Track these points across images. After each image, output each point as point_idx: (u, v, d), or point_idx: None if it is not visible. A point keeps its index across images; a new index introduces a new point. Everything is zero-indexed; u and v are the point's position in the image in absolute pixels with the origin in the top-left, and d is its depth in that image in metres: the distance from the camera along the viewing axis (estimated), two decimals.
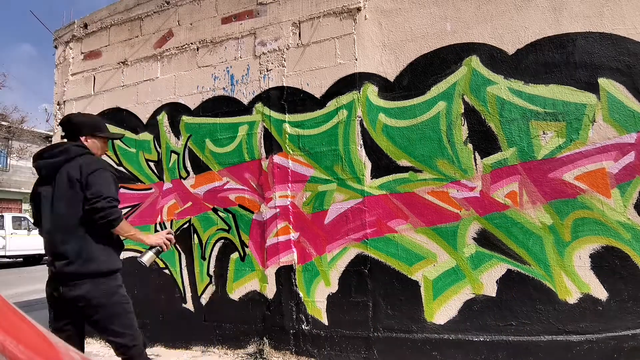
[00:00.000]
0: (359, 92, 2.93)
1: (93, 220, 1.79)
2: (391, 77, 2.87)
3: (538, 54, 2.55)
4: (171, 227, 3.47)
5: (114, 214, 1.81)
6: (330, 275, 2.91)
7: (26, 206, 18.21)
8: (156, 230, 3.52)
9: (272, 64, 3.24)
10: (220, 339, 3.19)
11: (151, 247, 2.01)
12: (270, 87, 3.22)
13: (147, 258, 1.98)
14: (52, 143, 3.03)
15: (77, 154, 1.88)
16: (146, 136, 3.65)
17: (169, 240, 2.05)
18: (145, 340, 2.01)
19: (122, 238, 1.98)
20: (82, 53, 4.12)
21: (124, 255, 3.59)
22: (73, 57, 4.16)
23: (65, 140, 2.03)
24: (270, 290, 3.07)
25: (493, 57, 2.64)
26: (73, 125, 2.01)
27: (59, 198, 1.84)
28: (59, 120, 4.17)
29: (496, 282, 2.53)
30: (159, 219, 3.52)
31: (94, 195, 1.78)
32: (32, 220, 2.44)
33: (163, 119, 3.60)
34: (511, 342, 2.46)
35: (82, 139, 1.99)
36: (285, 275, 3.03)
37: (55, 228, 1.85)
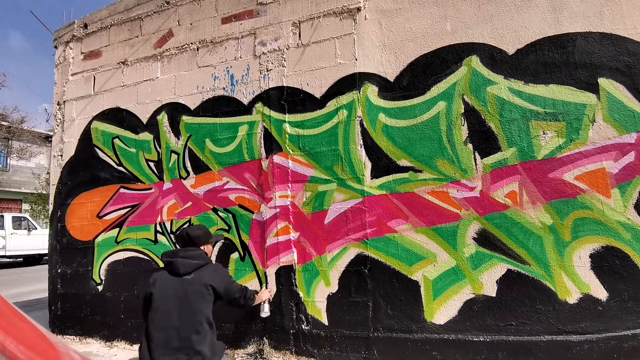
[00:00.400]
0: (359, 92, 2.93)
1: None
2: (391, 77, 2.87)
3: (538, 54, 2.55)
4: (171, 227, 3.47)
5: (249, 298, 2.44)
6: (330, 275, 2.91)
7: (26, 206, 18.21)
8: (156, 231, 3.52)
9: (272, 64, 3.24)
10: (220, 339, 3.18)
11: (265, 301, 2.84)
12: (270, 87, 3.22)
13: (264, 311, 2.84)
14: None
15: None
16: (146, 136, 3.65)
17: (270, 291, 2.97)
18: None
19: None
20: (82, 53, 4.12)
21: (125, 255, 3.62)
22: (73, 57, 4.16)
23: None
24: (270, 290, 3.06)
25: (493, 57, 2.64)
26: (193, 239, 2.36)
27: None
28: (58, 120, 4.17)
29: (496, 282, 2.53)
30: (159, 219, 3.52)
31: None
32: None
33: (163, 119, 3.60)
34: (511, 342, 2.46)
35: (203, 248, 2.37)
36: (285, 275, 3.03)
37: None
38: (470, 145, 2.65)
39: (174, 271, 2.15)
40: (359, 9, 3.00)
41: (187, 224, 3.41)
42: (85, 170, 3.88)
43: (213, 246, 2.74)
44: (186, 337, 2.00)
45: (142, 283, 3.52)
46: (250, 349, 3.05)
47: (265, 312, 2.82)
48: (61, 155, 4.06)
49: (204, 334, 2.05)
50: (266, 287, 3.01)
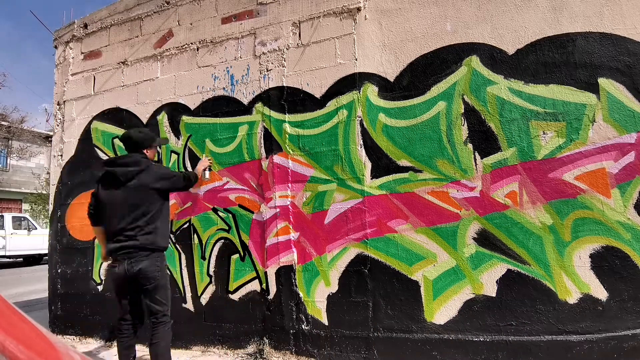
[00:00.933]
0: (359, 92, 2.93)
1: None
2: (391, 77, 2.87)
3: (538, 54, 2.55)
4: (171, 227, 3.47)
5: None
6: (330, 275, 2.91)
7: (26, 206, 18.21)
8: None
9: (272, 64, 3.24)
10: (220, 339, 3.19)
11: (204, 170, 3.15)
12: (270, 87, 3.22)
13: (207, 176, 3.22)
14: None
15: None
16: None
17: (209, 160, 3.23)
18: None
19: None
20: (82, 53, 4.12)
21: None
22: (73, 57, 4.16)
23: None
24: (270, 290, 3.07)
25: (493, 57, 2.64)
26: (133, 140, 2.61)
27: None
28: (58, 120, 4.17)
29: (496, 282, 2.53)
30: None
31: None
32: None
33: (163, 119, 3.60)
34: (511, 342, 2.46)
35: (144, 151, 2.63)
36: (285, 275, 3.03)
37: None
38: (470, 145, 2.65)
39: (117, 179, 2.44)
40: (359, 9, 3.01)
41: (187, 224, 3.41)
42: (85, 170, 3.88)
43: (159, 148, 3.13)
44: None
45: None
46: (250, 349, 3.05)
47: (206, 178, 3.22)
48: (61, 155, 4.06)
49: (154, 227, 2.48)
50: (208, 161, 3.24)
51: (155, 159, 2.98)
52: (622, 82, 2.39)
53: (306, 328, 2.94)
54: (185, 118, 3.50)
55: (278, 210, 3.09)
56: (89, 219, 2.63)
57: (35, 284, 7.49)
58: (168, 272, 2.57)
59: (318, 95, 3.06)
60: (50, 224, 4.06)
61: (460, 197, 2.65)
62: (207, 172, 3.19)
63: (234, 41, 3.41)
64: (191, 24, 3.60)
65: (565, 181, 2.44)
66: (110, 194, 2.45)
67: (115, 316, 3.57)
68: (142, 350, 3.40)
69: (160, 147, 3.47)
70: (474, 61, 2.68)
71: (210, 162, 3.24)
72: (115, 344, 3.52)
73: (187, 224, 3.41)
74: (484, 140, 2.62)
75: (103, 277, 3.70)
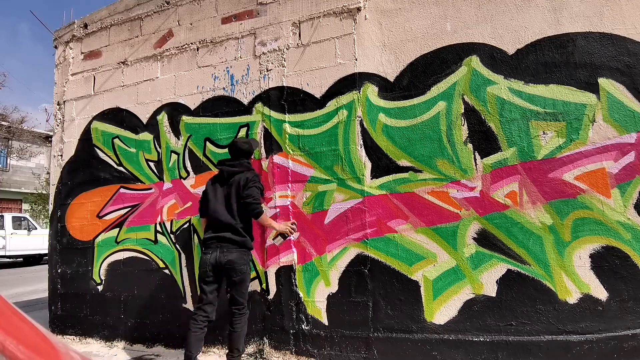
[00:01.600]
0: (359, 92, 2.93)
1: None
2: (391, 77, 2.87)
3: (538, 54, 2.55)
4: (171, 227, 3.47)
5: (257, 208, 2.67)
6: (330, 275, 2.91)
7: (26, 206, 18.21)
8: (156, 231, 3.52)
9: (272, 64, 3.24)
10: (220, 339, 3.19)
11: (280, 234, 2.84)
12: (270, 87, 3.22)
13: (277, 241, 2.87)
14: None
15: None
16: (146, 136, 3.65)
17: (293, 229, 2.88)
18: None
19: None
20: (82, 53, 4.12)
21: (125, 255, 3.62)
22: (73, 57, 4.16)
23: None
24: (270, 290, 3.07)
25: (493, 57, 2.64)
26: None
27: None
28: (58, 120, 4.17)
29: (496, 282, 2.53)
30: (159, 219, 3.52)
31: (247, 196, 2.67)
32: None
33: (163, 119, 3.60)
34: (511, 342, 2.46)
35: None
36: (285, 275, 3.03)
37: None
38: (470, 145, 2.65)
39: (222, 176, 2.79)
40: (359, 9, 3.01)
41: (187, 223, 3.41)
42: (85, 170, 3.88)
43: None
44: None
45: (142, 283, 3.52)
46: (250, 349, 3.05)
47: (276, 242, 2.89)
48: (61, 155, 4.06)
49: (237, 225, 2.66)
50: (292, 228, 2.88)
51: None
52: (622, 82, 2.39)
53: (306, 328, 2.94)
54: (185, 118, 3.50)
55: (278, 210, 3.09)
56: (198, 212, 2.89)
57: (35, 284, 7.49)
58: (210, 272, 2.61)
59: (318, 95, 3.06)
60: (50, 224, 4.06)
61: (460, 197, 2.65)
62: (280, 239, 2.85)
63: (234, 41, 3.41)
64: (191, 24, 3.60)
65: (565, 181, 2.44)
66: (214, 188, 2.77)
67: (115, 315, 3.59)
68: (142, 351, 3.40)
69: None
70: (474, 61, 2.68)
71: (291, 230, 2.86)
72: (115, 343, 3.53)
73: (187, 223, 3.41)
74: (484, 140, 2.62)
75: (103, 277, 3.71)
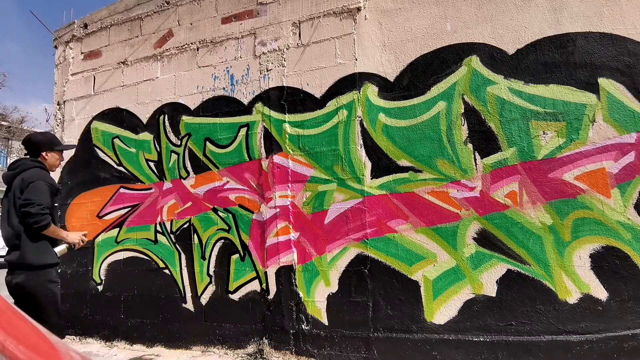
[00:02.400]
0: (359, 92, 2.93)
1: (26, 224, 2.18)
2: (391, 77, 2.87)
3: (538, 54, 2.55)
4: (171, 227, 3.47)
5: (43, 220, 2.18)
6: (330, 275, 2.91)
7: None
8: (156, 231, 3.52)
9: (272, 64, 3.24)
10: (220, 339, 3.19)
11: (65, 243, 2.37)
12: (270, 87, 3.21)
13: (60, 249, 2.34)
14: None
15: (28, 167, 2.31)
16: (146, 136, 3.65)
17: (82, 240, 2.44)
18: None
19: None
20: (82, 53, 4.12)
21: (124, 255, 3.62)
22: (73, 57, 4.16)
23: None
24: (270, 290, 3.07)
25: (493, 57, 2.64)
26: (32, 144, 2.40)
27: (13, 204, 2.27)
28: (58, 120, 4.17)
29: (496, 282, 2.53)
30: (159, 219, 3.52)
31: (27, 201, 2.17)
32: None
33: (163, 119, 3.60)
34: (511, 342, 2.46)
35: (43, 154, 2.40)
36: (285, 275, 3.03)
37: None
38: (470, 145, 2.65)
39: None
40: (359, 9, 3.00)
41: (187, 223, 3.41)
42: (85, 170, 3.88)
43: (61, 153, 2.53)
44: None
45: (142, 282, 3.52)
46: (250, 349, 3.05)
47: (57, 250, 2.32)
48: None
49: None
50: (82, 239, 2.44)
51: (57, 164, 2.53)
52: (622, 82, 2.39)
53: (306, 328, 2.94)
54: (185, 118, 3.50)
55: (278, 210, 3.08)
56: None
57: None
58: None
59: (318, 95, 3.05)
60: None
61: (460, 197, 2.65)
62: (63, 246, 2.36)
63: (234, 41, 3.41)
64: (191, 24, 3.60)
65: (565, 181, 2.44)
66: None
67: (115, 315, 3.59)
68: (142, 351, 3.40)
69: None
70: (474, 61, 2.67)
71: (82, 241, 2.44)
72: (115, 343, 3.53)
73: (187, 224, 3.41)
74: (484, 140, 2.62)
75: (103, 277, 3.71)
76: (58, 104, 4.19)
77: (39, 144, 2.40)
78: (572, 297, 2.39)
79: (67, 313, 3.84)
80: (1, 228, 2.30)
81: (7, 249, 2.26)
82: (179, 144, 3.51)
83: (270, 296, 3.06)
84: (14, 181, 2.27)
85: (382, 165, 2.83)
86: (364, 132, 2.89)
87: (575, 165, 2.43)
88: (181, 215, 3.45)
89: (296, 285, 2.99)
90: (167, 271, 3.45)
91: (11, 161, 2.46)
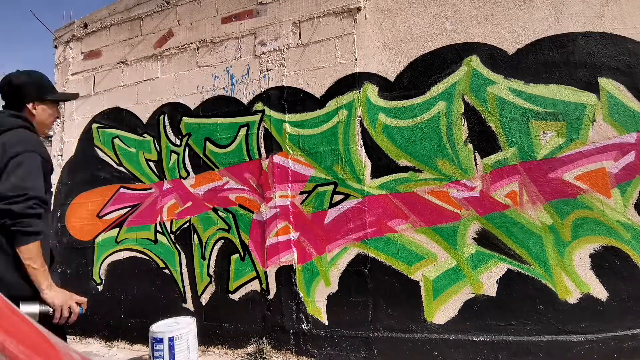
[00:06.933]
0: (359, 91, 2.93)
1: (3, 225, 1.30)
2: (391, 77, 2.87)
3: (538, 54, 2.54)
4: (171, 227, 3.47)
5: (31, 225, 1.33)
6: (330, 275, 2.91)
7: None
8: (156, 231, 3.52)
9: (272, 63, 3.24)
10: (220, 339, 3.19)
11: (42, 302, 1.41)
12: (270, 87, 3.21)
13: (28, 311, 1.34)
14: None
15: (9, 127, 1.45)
16: (146, 136, 3.65)
17: (73, 310, 1.55)
18: None
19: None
20: (82, 53, 4.12)
21: (125, 255, 3.62)
22: (73, 57, 4.16)
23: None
24: (270, 290, 3.07)
25: (493, 56, 2.64)
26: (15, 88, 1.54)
27: None
28: (58, 120, 4.17)
29: (496, 282, 2.53)
30: (159, 219, 3.52)
31: (14, 193, 1.30)
32: None
33: (163, 118, 3.60)
34: (511, 342, 2.46)
35: (29, 106, 1.56)
36: (285, 275, 3.03)
37: None
38: (470, 145, 2.65)
39: None
40: (359, 9, 3.00)
41: (187, 223, 3.41)
42: (85, 170, 3.88)
43: (56, 105, 1.72)
44: None
45: (142, 282, 3.52)
46: (250, 348, 3.05)
47: (22, 310, 1.33)
48: (61, 155, 4.05)
49: None
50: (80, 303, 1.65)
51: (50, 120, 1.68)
52: (622, 81, 2.39)
53: (306, 328, 2.94)
54: (185, 118, 3.50)
55: (278, 210, 3.08)
56: None
57: None
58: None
59: (318, 95, 3.05)
60: (51, 224, 4.06)
61: (460, 197, 2.65)
62: (36, 307, 1.41)
63: (234, 41, 3.41)
64: (191, 24, 3.59)
65: (566, 181, 2.44)
66: None
67: (115, 315, 3.59)
68: (142, 351, 3.40)
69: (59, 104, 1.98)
70: (474, 61, 2.67)
71: (66, 313, 1.58)
72: (115, 343, 3.53)
73: (187, 223, 3.41)
74: (484, 140, 2.62)
75: (103, 277, 3.71)
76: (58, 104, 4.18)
77: (23, 89, 1.54)
78: (572, 297, 2.39)
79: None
80: None
81: None
82: (179, 143, 3.51)
83: (270, 296, 3.06)
84: None
85: (382, 165, 2.83)
86: (364, 132, 2.89)
87: (576, 165, 2.43)
88: (181, 215, 3.45)
89: (296, 285, 2.99)
90: (167, 271, 3.45)
91: None
